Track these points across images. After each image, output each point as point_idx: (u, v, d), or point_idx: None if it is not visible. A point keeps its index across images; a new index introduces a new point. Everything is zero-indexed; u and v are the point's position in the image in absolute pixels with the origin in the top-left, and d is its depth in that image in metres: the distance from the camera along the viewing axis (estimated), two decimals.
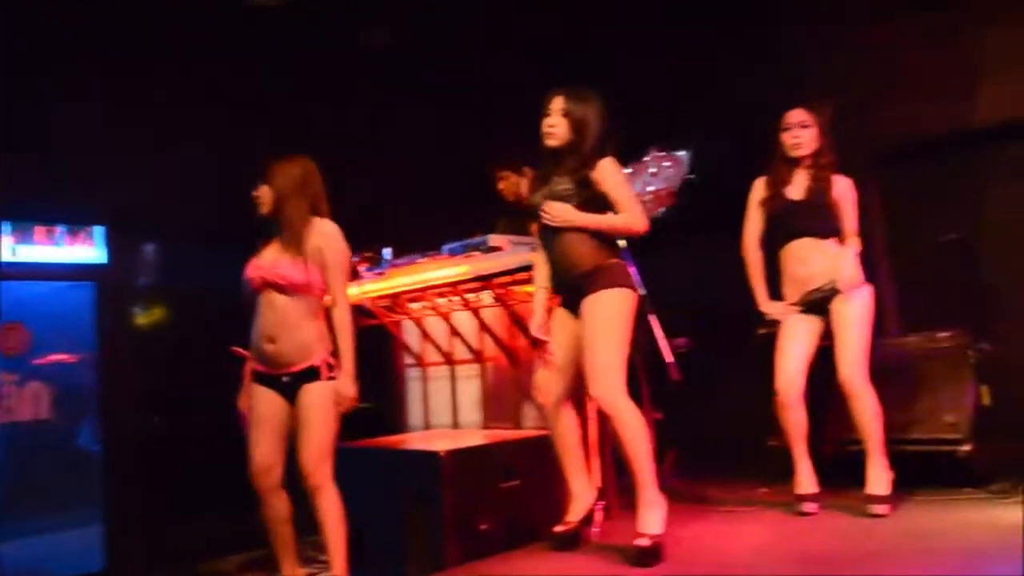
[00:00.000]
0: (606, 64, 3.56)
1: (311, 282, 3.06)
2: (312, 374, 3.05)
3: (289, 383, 3.07)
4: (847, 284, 3.56)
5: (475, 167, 4.86)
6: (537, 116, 3.37)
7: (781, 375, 3.65)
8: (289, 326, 3.05)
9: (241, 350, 3.21)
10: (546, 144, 3.29)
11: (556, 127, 3.26)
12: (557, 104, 3.27)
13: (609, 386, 3.08)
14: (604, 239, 3.26)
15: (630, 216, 3.19)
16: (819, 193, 3.67)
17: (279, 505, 3.14)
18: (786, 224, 3.72)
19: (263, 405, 3.12)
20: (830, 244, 3.66)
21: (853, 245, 3.64)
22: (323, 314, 3.17)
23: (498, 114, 5.38)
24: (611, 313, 3.16)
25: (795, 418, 3.65)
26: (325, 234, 3.11)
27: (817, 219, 3.66)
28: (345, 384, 3.07)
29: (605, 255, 3.24)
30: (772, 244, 3.79)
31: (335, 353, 3.10)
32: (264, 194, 3.17)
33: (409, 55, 5.55)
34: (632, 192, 3.34)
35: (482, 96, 5.59)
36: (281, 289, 3.04)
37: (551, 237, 3.28)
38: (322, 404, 3.03)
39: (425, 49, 5.56)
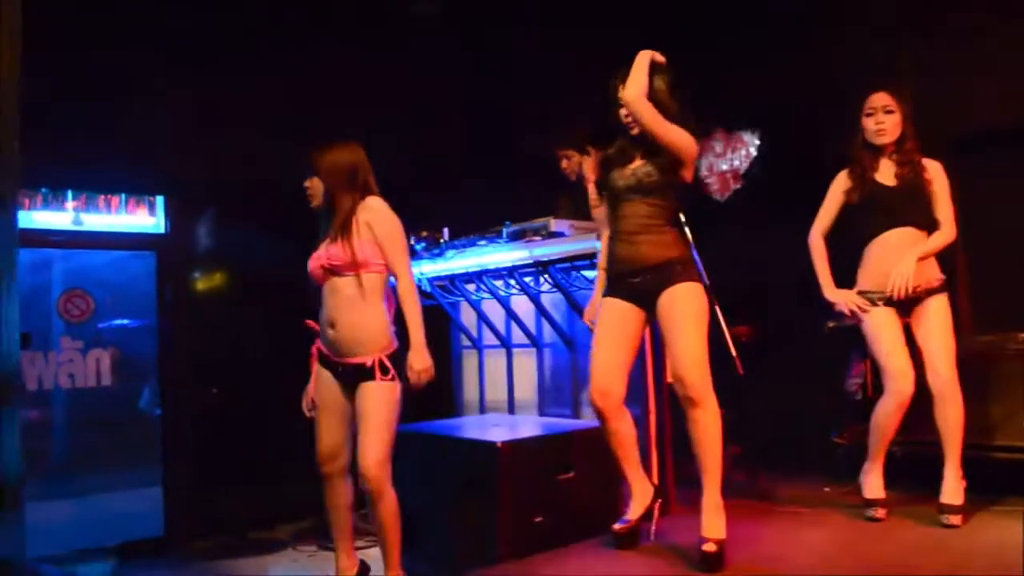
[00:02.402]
0: (671, 40, 3.41)
1: (365, 259, 2.96)
2: (367, 374, 2.96)
3: (347, 373, 3.02)
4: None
5: (537, 146, 4.77)
6: (601, 92, 3.26)
7: (906, 372, 3.40)
8: (347, 309, 2.97)
9: (313, 324, 3.15)
10: (629, 133, 3.19)
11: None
12: None
13: (702, 378, 3.00)
14: (683, 231, 3.17)
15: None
16: (913, 179, 3.47)
17: (344, 491, 3.13)
18: (882, 212, 3.49)
19: (326, 391, 3.10)
20: (925, 237, 3.46)
21: (949, 235, 3.46)
22: (388, 297, 3.09)
23: (561, 92, 5.26)
24: (698, 306, 3.08)
25: (902, 416, 3.46)
26: (371, 209, 3.00)
27: (917, 208, 3.46)
28: (416, 357, 2.97)
29: (685, 247, 3.16)
30: (861, 232, 3.58)
31: (394, 355, 3.00)
32: (315, 186, 3.08)
33: (468, 30, 5.45)
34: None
35: (545, 73, 5.46)
36: (337, 271, 2.98)
37: (630, 224, 3.16)
38: (378, 409, 2.94)
39: (485, 25, 5.45)
